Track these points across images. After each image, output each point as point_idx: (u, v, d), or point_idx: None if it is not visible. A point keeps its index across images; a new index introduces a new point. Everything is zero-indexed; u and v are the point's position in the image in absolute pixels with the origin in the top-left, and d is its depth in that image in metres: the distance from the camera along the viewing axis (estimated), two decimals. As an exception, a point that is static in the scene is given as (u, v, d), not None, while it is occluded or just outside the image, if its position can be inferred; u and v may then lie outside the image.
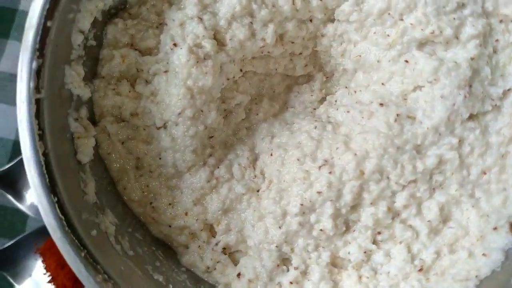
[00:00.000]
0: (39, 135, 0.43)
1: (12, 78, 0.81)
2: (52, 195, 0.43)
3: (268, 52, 0.54)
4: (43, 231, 0.74)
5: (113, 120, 0.53)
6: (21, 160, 0.79)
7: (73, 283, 0.73)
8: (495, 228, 0.47)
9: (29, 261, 0.76)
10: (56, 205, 0.43)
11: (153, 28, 0.54)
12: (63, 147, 0.47)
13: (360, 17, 0.52)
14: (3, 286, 0.78)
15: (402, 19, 0.50)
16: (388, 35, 0.51)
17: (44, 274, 0.73)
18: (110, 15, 0.53)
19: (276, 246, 0.52)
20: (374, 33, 0.52)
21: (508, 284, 0.42)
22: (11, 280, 0.75)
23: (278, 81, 0.59)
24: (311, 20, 0.54)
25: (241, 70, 0.55)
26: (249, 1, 0.50)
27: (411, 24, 0.50)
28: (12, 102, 0.81)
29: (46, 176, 0.43)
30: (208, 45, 0.50)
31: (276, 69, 0.57)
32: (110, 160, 0.53)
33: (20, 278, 0.76)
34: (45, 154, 0.43)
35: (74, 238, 0.43)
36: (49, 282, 0.74)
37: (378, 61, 0.52)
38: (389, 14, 0.50)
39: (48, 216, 0.43)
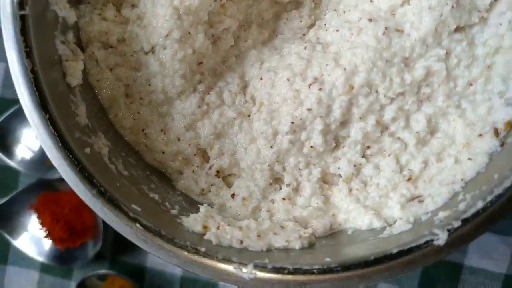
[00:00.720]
0: (26, 52, 0.43)
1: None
2: (43, 112, 0.44)
3: None
4: (35, 188, 0.77)
5: (100, 46, 0.53)
6: (8, 116, 0.78)
7: (69, 235, 0.76)
8: (480, 135, 0.49)
9: (24, 217, 0.78)
10: (48, 121, 0.43)
11: None
12: (52, 68, 0.47)
13: None
14: None
15: None
16: None
17: (40, 229, 0.75)
18: None
19: (268, 166, 0.53)
20: None
21: (492, 179, 0.44)
22: (8, 237, 0.77)
23: (266, 8, 0.58)
24: None
25: None
26: None
27: None
28: None
29: (36, 93, 0.43)
30: None
31: None
32: (99, 87, 0.53)
33: (16, 234, 0.78)
34: (33, 72, 0.44)
35: (68, 153, 0.44)
36: (45, 236, 0.75)
37: None
38: None
39: (41, 133, 0.43)
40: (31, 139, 0.79)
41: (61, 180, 0.77)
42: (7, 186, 0.80)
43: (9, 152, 0.78)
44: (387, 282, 0.75)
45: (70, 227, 0.77)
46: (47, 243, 0.76)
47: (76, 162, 0.44)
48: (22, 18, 0.43)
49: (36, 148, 0.79)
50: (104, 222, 0.73)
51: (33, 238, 0.77)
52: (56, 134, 0.43)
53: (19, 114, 0.78)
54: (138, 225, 0.43)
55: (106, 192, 0.44)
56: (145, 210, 0.45)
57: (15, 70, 0.43)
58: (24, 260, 0.79)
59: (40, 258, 0.77)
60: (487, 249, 0.76)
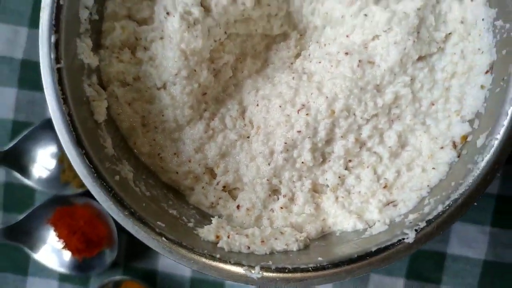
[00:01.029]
0: (63, 99, 0.52)
1: (2, 60, 0.84)
2: (80, 149, 0.52)
3: (248, 15, 0.62)
4: (51, 203, 0.82)
5: (119, 85, 0.61)
6: (23, 138, 0.85)
7: (86, 246, 0.81)
8: (441, 147, 0.58)
9: (42, 231, 0.82)
10: (84, 156, 0.52)
11: (146, 0, 0.61)
12: (82, 109, 0.55)
13: None
14: (19, 256, 0.84)
15: None
16: None
17: (58, 241, 0.80)
18: (108, -10, 0.61)
19: (267, 180, 0.62)
20: None
21: (450, 186, 0.53)
22: (28, 250, 0.81)
23: (258, 41, 0.67)
24: None
25: (225, 33, 0.63)
26: None
27: None
28: (5, 83, 0.86)
29: (73, 133, 0.52)
30: (196, 12, 0.58)
31: (256, 30, 0.65)
32: (120, 120, 0.61)
33: (36, 248, 0.82)
34: (70, 115, 0.52)
35: (102, 182, 0.52)
36: (63, 248, 0.80)
37: (342, 17, 0.61)
38: None
39: (79, 166, 0.52)
40: (46, 159, 0.83)
41: (75, 195, 0.84)
42: (25, 203, 0.84)
43: (25, 172, 0.82)
44: (377, 272, 0.83)
45: (87, 238, 0.81)
46: (66, 254, 0.81)
47: (109, 189, 0.52)
48: (58, 71, 0.52)
49: (52, 167, 0.83)
50: (118, 231, 0.79)
51: (52, 251, 0.82)
52: (91, 166, 0.52)
53: (33, 136, 0.83)
54: (164, 238, 0.52)
55: (135, 212, 0.53)
56: (167, 225, 0.54)
57: (55, 115, 0.52)
58: (43, 271, 0.84)
59: (60, 269, 0.81)
60: (467, 238, 0.84)
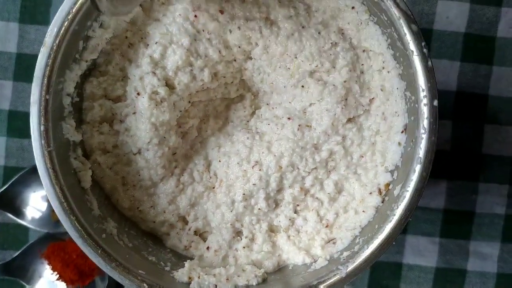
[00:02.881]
0: (55, 176, 0.62)
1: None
2: (71, 215, 0.63)
3: (207, 87, 0.73)
4: (44, 240, 0.90)
5: (101, 153, 0.70)
6: (14, 182, 0.93)
7: (79, 277, 0.89)
8: (370, 193, 0.69)
9: (37, 265, 0.91)
10: (75, 222, 0.62)
11: (119, 81, 0.70)
12: (71, 179, 0.65)
13: (268, 57, 0.70)
14: None
15: (296, 57, 0.69)
16: (289, 68, 0.70)
17: (52, 274, 0.89)
18: (85, 75, 0.70)
19: (231, 224, 0.72)
20: (279, 67, 0.70)
21: (374, 229, 0.64)
22: (25, 284, 0.89)
23: (218, 103, 0.77)
24: (235, 60, 0.72)
25: (189, 102, 0.73)
26: (187, 56, 0.68)
27: (302, 61, 0.69)
28: None
29: (65, 204, 0.62)
30: (162, 91, 0.68)
31: (216, 96, 0.76)
32: (103, 182, 0.71)
33: (32, 281, 0.90)
34: (61, 188, 0.63)
35: (91, 241, 0.63)
36: (58, 279, 0.89)
37: (284, 87, 0.72)
38: (287, 54, 0.69)
39: (71, 230, 0.62)
40: (37, 201, 0.92)
41: (66, 232, 0.92)
42: (19, 241, 0.94)
43: (18, 213, 0.91)
44: None
45: (79, 270, 0.90)
46: (61, 285, 0.90)
47: (97, 246, 0.63)
48: (49, 153, 0.62)
49: (43, 208, 0.92)
50: None
51: (47, 283, 0.90)
52: (81, 229, 0.63)
53: (24, 180, 0.92)
54: (145, 284, 0.62)
55: (121, 264, 0.63)
56: (148, 272, 0.64)
57: (49, 190, 0.61)
58: None
59: None
60: (419, 249, 0.95)
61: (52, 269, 0.91)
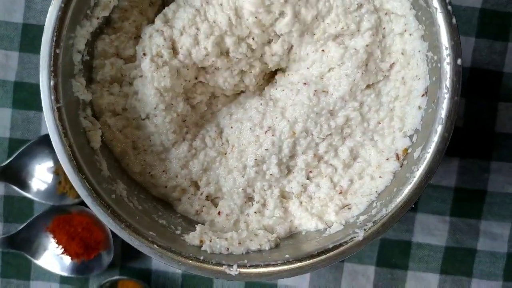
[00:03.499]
0: (64, 133, 0.61)
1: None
2: (80, 174, 0.61)
3: (216, 66, 0.69)
4: (49, 213, 0.90)
5: (110, 115, 0.69)
6: (20, 154, 0.93)
7: (84, 250, 0.89)
8: (387, 159, 0.68)
9: (42, 238, 0.90)
10: (85, 180, 0.61)
11: (132, 39, 0.69)
12: (80, 139, 0.64)
13: (299, 26, 0.67)
14: (21, 263, 0.92)
15: (323, 21, 0.68)
16: (314, 34, 0.69)
17: (57, 247, 0.89)
18: (96, 34, 0.68)
19: (242, 189, 0.71)
20: (307, 34, 0.69)
21: (392, 192, 0.63)
22: (30, 257, 0.89)
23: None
24: (253, 38, 0.68)
25: (196, 78, 0.72)
26: (194, 16, 0.66)
27: (328, 24, 0.67)
28: (0, 104, 0.92)
29: (74, 162, 0.61)
30: (165, 54, 0.67)
31: (226, 86, 0.72)
32: (112, 145, 0.69)
33: (37, 254, 0.89)
34: (70, 146, 0.61)
35: (101, 201, 0.61)
36: (63, 253, 0.89)
37: (307, 54, 0.70)
38: (316, 19, 0.67)
39: (80, 189, 0.61)
40: (43, 173, 0.91)
41: (72, 205, 0.92)
42: (24, 214, 0.93)
43: (23, 186, 0.90)
44: (350, 261, 0.93)
45: (85, 243, 0.90)
46: (66, 259, 0.90)
47: (107, 206, 0.62)
48: (58, 109, 0.60)
49: (49, 180, 0.91)
50: (113, 235, 0.87)
51: (52, 256, 0.90)
52: (91, 188, 0.61)
53: (29, 152, 0.91)
54: (155, 245, 0.61)
55: (130, 225, 0.62)
56: (158, 234, 0.63)
57: (58, 147, 0.60)
58: (45, 275, 0.92)
59: (61, 272, 0.90)
60: (429, 227, 0.94)
61: (57, 242, 0.91)
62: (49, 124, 0.60)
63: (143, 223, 0.64)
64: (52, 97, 0.60)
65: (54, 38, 0.59)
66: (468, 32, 0.96)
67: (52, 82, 0.60)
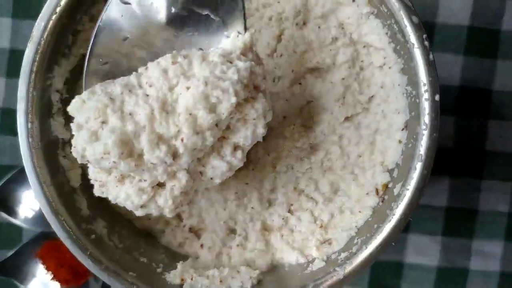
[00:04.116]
0: (42, 175, 0.60)
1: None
2: (59, 215, 0.61)
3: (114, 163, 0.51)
4: (38, 239, 0.89)
5: None
6: (8, 180, 0.91)
7: (73, 276, 0.88)
8: (367, 194, 0.67)
9: (31, 265, 0.89)
10: (64, 222, 0.61)
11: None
12: (60, 178, 0.64)
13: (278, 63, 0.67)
14: None
15: (300, 55, 0.67)
16: (292, 71, 0.68)
17: (46, 273, 0.88)
18: (75, 70, 0.67)
19: (224, 222, 0.71)
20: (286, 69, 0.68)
21: (373, 228, 0.62)
22: (19, 284, 0.88)
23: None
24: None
25: None
26: (105, 106, 0.51)
27: (304, 58, 0.67)
28: None
29: (53, 203, 0.61)
30: None
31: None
32: (95, 179, 0.70)
33: (26, 281, 0.88)
34: (48, 187, 0.61)
35: (80, 243, 0.61)
36: (52, 279, 0.88)
37: (287, 88, 0.69)
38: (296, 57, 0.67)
39: (59, 231, 0.61)
40: (31, 199, 0.90)
41: None
42: (13, 240, 0.93)
43: (12, 212, 0.90)
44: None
45: (73, 270, 0.89)
46: (55, 285, 0.88)
47: (86, 248, 0.62)
48: (37, 152, 0.60)
49: (37, 208, 0.90)
50: None
51: (41, 283, 0.89)
52: (69, 229, 0.61)
53: (17, 179, 0.90)
54: (135, 286, 0.62)
55: (109, 266, 0.62)
56: (138, 274, 0.63)
57: (36, 189, 0.60)
58: None
59: None
60: (421, 248, 0.93)
61: (46, 268, 0.90)
62: (26, 166, 0.60)
63: (123, 263, 0.64)
64: (30, 139, 0.60)
65: (32, 80, 0.59)
66: (457, 50, 0.95)
67: (29, 125, 0.60)
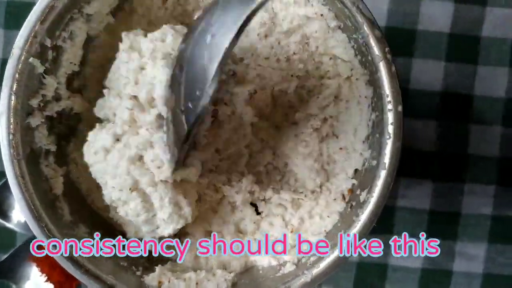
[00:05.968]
0: (24, 184, 0.64)
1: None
2: (40, 222, 0.64)
3: None
4: (31, 242, 0.88)
5: (80, 154, 0.70)
6: (1, 186, 0.92)
7: (66, 279, 0.89)
8: (334, 199, 0.70)
9: (25, 268, 0.91)
10: (45, 228, 0.64)
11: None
12: (42, 186, 0.67)
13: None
14: None
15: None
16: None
17: (40, 276, 0.90)
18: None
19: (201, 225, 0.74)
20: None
21: (336, 237, 0.65)
22: (14, 286, 0.90)
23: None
24: None
25: None
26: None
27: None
28: None
29: (34, 211, 0.64)
30: None
31: None
32: (79, 182, 0.73)
33: (21, 283, 0.91)
34: (30, 196, 0.64)
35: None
36: (46, 281, 0.89)
37: None
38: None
39: (40, 236, 0.64)
40: None
41: None
42: (7, 244, 0.96)
43: (5, 216, 0.91)
44: (327, 284, 0.96)
45: (66, 272, 0.91)
46: (49, 287, 0.90)
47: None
48: (19, 162, 0.63)
49: None
50: None
51: (36, 285, 0.91)
52: (50, 236, 0.64)
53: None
54: (113, 289, 0.65)
55: (89, 270, 0.65)
56: (118, 277, 0.66)
57: (18, 197, 0.62)
58: None
59: None
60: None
61: (40, 271, 0.92)
62: (9, 176, 0.63)
63: (102, 266, 0.67)
64: (12, 150, 0.63)
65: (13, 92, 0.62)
66: (438, 56, 0.97)
67: (11, 136, 0.63)
